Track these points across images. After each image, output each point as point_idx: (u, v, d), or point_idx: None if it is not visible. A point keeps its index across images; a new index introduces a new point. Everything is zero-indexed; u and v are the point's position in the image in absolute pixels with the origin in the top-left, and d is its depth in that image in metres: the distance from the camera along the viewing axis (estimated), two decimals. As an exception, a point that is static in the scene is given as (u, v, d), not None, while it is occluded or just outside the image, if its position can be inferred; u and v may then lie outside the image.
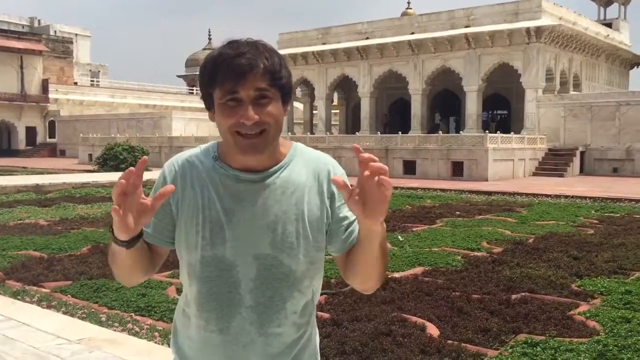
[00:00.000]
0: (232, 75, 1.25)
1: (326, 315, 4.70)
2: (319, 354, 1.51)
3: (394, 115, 37.01)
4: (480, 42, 29.56)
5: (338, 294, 5.38)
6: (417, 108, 32.28)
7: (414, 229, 9.52)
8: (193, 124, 41.13)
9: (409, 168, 24.28)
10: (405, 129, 30.54)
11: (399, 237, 8.56)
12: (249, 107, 1.26)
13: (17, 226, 9.52)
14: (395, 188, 18.35)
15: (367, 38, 33.98)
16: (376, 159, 1.20)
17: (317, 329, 1.52)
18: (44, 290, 5.46)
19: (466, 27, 30.30)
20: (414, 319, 4.58)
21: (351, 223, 1.37)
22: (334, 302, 5.12)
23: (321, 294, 5.30)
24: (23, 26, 65.20)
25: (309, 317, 1.45)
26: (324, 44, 35.81)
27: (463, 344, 4.00)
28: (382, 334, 4.17)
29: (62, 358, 3.43)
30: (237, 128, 1.27)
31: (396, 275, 6.16)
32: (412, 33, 32.19)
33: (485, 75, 29.78)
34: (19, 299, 5.01)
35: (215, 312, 1.35)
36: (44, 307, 4.78)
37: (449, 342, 4.05)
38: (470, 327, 4.41)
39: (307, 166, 1.39)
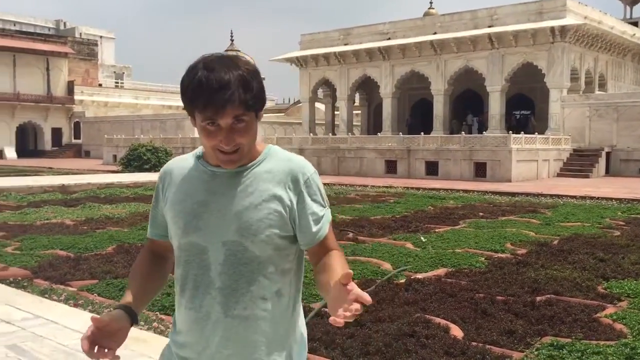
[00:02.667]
0: (212, 108, 1.40)
1: (349, 315, 4.70)
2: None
3: (416, 116, 36.86)
4: (503, 42, 29.30)
5: (361, 294, 5.37)
6: (439, 109, 32.11)
7: (436, 230, 9.47)
8: (215, 125, 41.35)
9: (431, 169, 24.16)
10: (428, 129, 30.39)
11: (422, 238, 8.53)
12: (227, 133, 1.42)
13: (43, 226, 9.68)
14: (417, 189, 18.27)
15: (389, 38, 33.88)
16: (358, 302, 1.27)
17: (299, 343, 1.59)
18: (70, 288, 5.54)
19: (489, 26, 30.05)
20: (438, 320, 4.55)
21: (319, 219, 1.51)
22: (357, 303, 5.11)
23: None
24: (49, 29, 66.27)
25: (285, 313, 1.53)
26: (345, 44, 35.79)
27: (488, 346, 3.97)
28: (406, 335, 4.16)
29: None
30: (217, 148, 1.44)
31: (419, 276, 6.14)
32: (435, 33, 32.01)
33: (508, 75, 29.51)
34: (46, 298, 5.09)
35: (191, 291, 1.50)
36: (71, 306, 4.85)
37: (473, 343, 4.03)
38: (494, 329, 4.37)
39: (277, 164, 1.52)
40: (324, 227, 1.52)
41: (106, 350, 1.42)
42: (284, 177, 1.50)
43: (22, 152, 49.29)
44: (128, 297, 1.56)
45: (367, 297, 1.25)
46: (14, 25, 61.00)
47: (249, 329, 1.48)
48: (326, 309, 4.85)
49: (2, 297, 4.83)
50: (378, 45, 33.55)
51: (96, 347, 1.41)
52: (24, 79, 50.81)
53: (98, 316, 1.44)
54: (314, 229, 1.50)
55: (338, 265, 1.47)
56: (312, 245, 1.52)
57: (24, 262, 6.62)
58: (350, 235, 8.99)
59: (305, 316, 4.59)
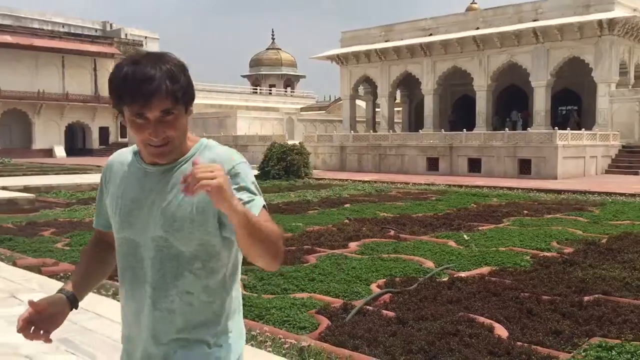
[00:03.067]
0: (139, 100, 1.41)
1: (391, 313, 4.69)
2: None
3: (458, 113, 36.40)
4: (549, 36, 28.64)
5: (402, 292, 5.36)
6: (482, 105, 31.63)
7: (479, 228, 9.34)
8: (257, 123, 41.79)
9: (474, 166, 23.83)
10: (470, 126, 29.97)
11: (464, 235, 8.43)
12: (155, 126, 1.43)
13: (91, 222, 9.92)
14: (460, 186, 18.04)
15: (431, 34, 33.54)
16: (202, 172, 1.29)
17: (235, 343, 1.58)
18: (117, 284, 5.67)
19: (534, 20, 29.42)
20: (482, 319, 4.50)
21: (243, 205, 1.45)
22: (399, 301, 5.10)
23: (386, 292, 5.31)
24: (96, 30, 67.89)
25: (214, 307, 1.53)
26: (386, 41, 35.58)
27: (533, 346, 3.90)
28: (449, 334, 4.13)
29: (137, 349, 3.57)
30: (147, 142, 1.46)
31: (462, 274, 6.07)
32: (477, 28, 31.52)
33: (554, 70, 28.84)
34: (95, 292, 5.22)
35: (129, 284, 1.55)
36: (118, 301, 4.96)
37: (519, 343, 3.96)
38: (540, 329, 4.29)
39: (209, 157, 1.52)
40: (252, 212, 1.44)
41: (41, 332, 1.49)
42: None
43: (70, 150, 50.74)
44: (71, 283, 1.61)
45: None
46: (63, 27, 62.72)
47: (174, 323, 1.51)
48: (368, 307, 4.85)
49: (54, 292, 4.99)
50: (419, 42, 33.25)
51: (32, 328, 1.48)
52: (73, 79, 52.28)
53: (35, 300, 1.50)
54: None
55: (267, 220, 1.45)
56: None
57: (74, 258, 6.81)
58: (392, 232, 8.95)
59: (347, 314, 4.61)
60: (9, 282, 5.34)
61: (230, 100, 62.85)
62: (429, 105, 33.91)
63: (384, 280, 5.86)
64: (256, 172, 22.65)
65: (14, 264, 6.30)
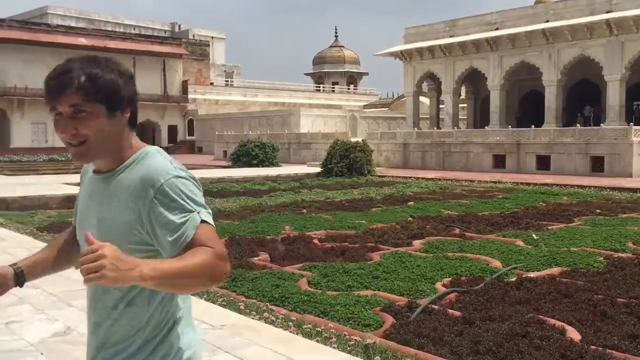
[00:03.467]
0: (49, 95, 1.40)
1: (457, 313, 4.63)
2: None
3: (526, 109, 35.39)
4: (623, 28, 27.40)
5: (469, 292, 5.27)
6: (551, 100, 30.60)
7: (549, 228, 9.06)
8: (320, 121, 41.99)
9: (543, 163, 23.11)
10: (538, 122, 29.06)
11: (533, 235, 8.20)
12: (65, 121, 1.40)
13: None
14: (528, 184, 17.55)
15: (497, 29, 32.72)
16: (90, 256, 1.20)
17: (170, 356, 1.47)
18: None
19: (607, 12, 28.21)
20: (552, 321, 4.37)
21: (176, 227, 1.36)
22: (465, 300, 5.02)
23: (451, 292, 5.24)
24: (165, 31, 70.03)
25: (140, 323, 1.45)
26: (451, 36, 34.97)
27: (608, 350, 3.76)
28: (518, 336, 4.03)
29: (207, 342, 3.66)
30: (65, 141, 1.43)
31: (531, 275, 5.92)
32: (547, 21, 30.53)
33: (629, 64, 27.56)
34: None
35: (87, 293, 1.55)
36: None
37: (592, 347, 3.83)
38: (615, 332, 4.13)
39: (138, 171, 1.44)
40: (187, 233, 1.36)
41: None
42: (138, 188, 1.41)
43: (140, 148, 52.48)
44: (28, 261, 1.60)
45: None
46: (134, 29, 65.02)
47: (100, 337, 1.48)
48: (434, 305, 4.80)
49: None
50: (486, 36, 32.51)
51: None
52: (143, 79, 54.02)
53: None
54: (170, 238, 1.36)
55: (187, 256, 1.33)
56: (175, 254, 1.36)
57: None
58: (457, 231, 8.82)
59: (412, 312, 4.58)
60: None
61: (293, 98, 63.44)
62: (495, 101, 33.12)
63: (450, 279, 5.79)
64: (319, 169, 22.77)
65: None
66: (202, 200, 1.43)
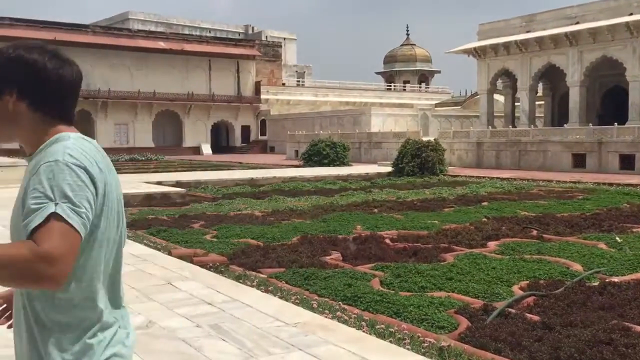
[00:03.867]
0: None
1: (536, 317, 4.49)
2: None
3: (608, 105, 33.83)
4: None
5: (548, 296, 5.10)
6: (635, 96, 29.12)
7: (634, 230, 8.63)
8: (391, 120, 41.72)
9: (627, 163, 22.01)
10: (621, 119, 27.72)
11: (617, 238, 7.83)
12: None
13: (236, 216, 10.51)
14: (610, 184, 16.77)
15: (577, 23, 31.46)
16: None
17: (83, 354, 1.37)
18: (261, 275, 5.95)
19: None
20: (639, 328, 4.16)
21: (29, 212, 1.27)
22: (544, 305, 4.86)
23: (529, 295, 5.08)
24: (239, 34, 71.61)
25: (42, 331, 1.36)
26: (527, 32, 33.91)
27: (700, 362, 3.55)
28: (601, 343, 3.86)
29: (281, 339, 3.72)
30: None
31: (615, 279, 5.66)
32: (630, 14, 29.07)
33: None
34: (241, 283, 5.53)
35: None
36: (262, 291, 5.21)
37: (683, 358, 3.62)
38: None
39: (41, 155, 1.37)
40: (33, 221, 1.24)
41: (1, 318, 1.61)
42: (31, 169, 1.36)
43: (215, 148, 53.96)
44: None
45: None
46: (209, 32, 66.79)
47: (22, 341, 1.42)
48: (511, 309, 4.68)
49: (204, 281, 5.35)
50: (565, 31, 31.32)
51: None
52: (218, 81, 55.52)
53: None
54: (22, 222, 1.28)
55: (5, 245, 1.25)
56: (25, 237, 1.27)
57: (221, 249, 7.25)
58: (534, 232, 8.55)
59: (488, 316, 4.48)
60: (166, 270, 5.80)
61: (364, 97, 63.35)
62: (574, 97, 31.85)
63: (527, 282, 5.62)
64: (390, 169, 22.64)
65: (169, 253, 6.82)
66: (74, 193, 1.28)
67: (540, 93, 38.50)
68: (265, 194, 14.68)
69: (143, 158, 40.09)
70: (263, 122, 56.14)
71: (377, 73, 77.88)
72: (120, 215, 1.46)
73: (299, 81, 65.34)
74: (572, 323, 4.30)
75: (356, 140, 34.27)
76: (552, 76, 35.17)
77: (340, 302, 4.97)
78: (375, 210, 11.30)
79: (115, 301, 1.47)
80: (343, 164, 27.48)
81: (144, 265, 6.02)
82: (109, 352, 1.40)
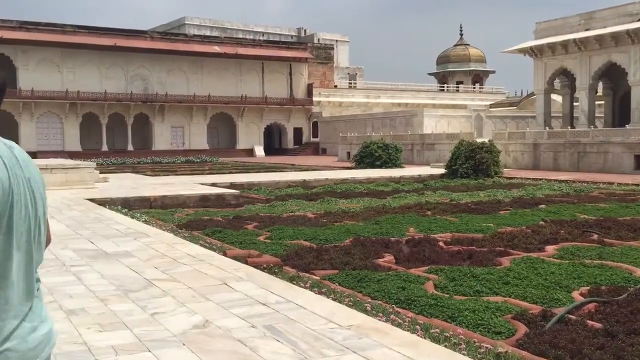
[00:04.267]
0: None
1: (597, 324, 4.34)
2: None
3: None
4: None
5: (610, 302, 4.93)
6: None
7: (703, 235, 8.24)
8: (444, 121, 41.21)
9: (694, 164, 21.09)
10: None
11: (684, 243, 7.49)
12: None
13: (289, 218, 10.59)
14: (676, 187, 16.07)
15: (639, 20, 30.33)
16: None
17: None
18: (314, 277, 5.98)
19: None
20: None
21: None
22: (606, 312, 4.70)
23: (590, 301, 4.92)
24: (292, 37, 72.22)
25: None
26: (586, 30, 32.89)
27: None
28: (668, 352, 3.71)
29: (335, 341, 3.73)
30: None
31: (682, 287, 5.41)
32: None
33: None
34: (294, 284, 5.57)
35: None
36: (315, 293, 5.24)
37: None
38: None
39: None
40: None
41: None
42: None
43: (268, 150, 54.61)
44: None
45: None
46: (263, 35, 67.66)
47: None
48: (570, 315, 4.55)
49: (259, 281, 5.42)
50: (626, 28, 30.22)
51: None
52: (271, 83, 56.18)
53: None
54: None
55: None
56: None
57: (274, 251, 7.32)
58: (595, 236, 8.27)
59: (546, 322, 4.36)
60: (221, 270, 5.90)
61: (416, 98, 62.82)
62: (636, 97, 30.69)
63: (588, 288, 5.45)
64: (443, 170, 22.36)
65: (224, 254, 6.94)
66: None
67: (600, 92, 37.27)
68: (318, 195, 14.73)
69: (198, 160, 40.93)
70: (315, 124, 56.42)
71: (430, 74, 77.11)
72: (30, 208, 1.45)
73: (351, 83, 65.35)
74: (635, 331, 4.14)
75: (408, 142, 34.01)
76: (612, 75, 34.00)
77: (393, 305, 4.94)
78: (429, 212, 11.18)
79: (27, 294, 1.45)
80: (395, 165, 27.32)
81: (200, 265, 6.14)
82: (2, 347, 1.36)
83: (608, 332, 4.14)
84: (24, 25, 47.01)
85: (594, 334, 4.12)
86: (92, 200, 12.94)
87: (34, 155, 42.64)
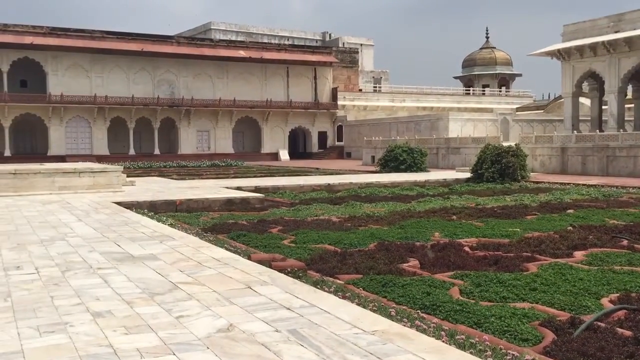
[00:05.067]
0: None
1: (627, 332, 4.25)
2: None
3: None
4: None
5: (641, 310, 4.82)
6: None
7: None
8: (470, 125, 40.86)
9: None
10: None
11: None
12: None
13: (313, 222, 10.58)
14: None
15: (672, 20, 29.72)
16: None
17: None
18: (338, 281, 5.97)
19: None
20: None
21: None
22: (636, 319, 4.60)
23: (621, 309, 4.82)
24: (316, 41, 72.43)
25: None
26: (616, 32, 32.36)
27: None
28: (701, 362, 3.61)
29: (359, 347, 3.71)
30: None
31: None
32: None
33: None
34: (318, 288, 5.56)
35: None
36: (340, 297, 5.22)
37: None
38: None
39: None
40: None
41: None
42: None
43: (293, 154, 54.73)
44: None
45: None
46: (288, 40, 67.92)
47: None
48: (600, 323, 4.47)
49: (283, 285, 5.42)
50: (657, 29, 29.67)
51: None
52: (295, 88, 56.35)
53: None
54: None
55: None
56: None
57: (299, 255, 7.33)
58: (625, 242, 8.11)
59: (575, 329, 4.29)
60: (245, 274, 5.92)
61: (441, 102, 62.46)
62: (668, 100, 30.07)
63: (617, 295, 5.34)
64: (468, 174, 22.16)
65: (249, 258, 6.96)
66: None
67: (629, 96, 36.59)
68: (342, 199, 14.72)
69: (223, 164, 41.21)
70: (340, 128, 56.41)
71: (456, 77, 76.65)
72: None
73: (375, 87, 65.22)
74: (668, 340, 4.04)
75: (433, 146, 33.79)
76: (643, 77, 33.36)
77: (418, 311, 4.91)
78: (454, 217, 11.09)
79: None
80: (420, 169, 27.16)
81: (224, 269, 6.17)
82: None
83: (638, 340, 4.05)
84: (53, 31, 47.92)
85: (623, 342, 4.04)
86: (118, 203, 13.11)
87: (62, 158, 43.46)
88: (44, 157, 43.58)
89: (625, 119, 35.03)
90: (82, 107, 48.60)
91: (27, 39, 46.08)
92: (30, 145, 49.55)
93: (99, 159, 43.44)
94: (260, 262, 6.71)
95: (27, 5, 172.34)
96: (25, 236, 8.61)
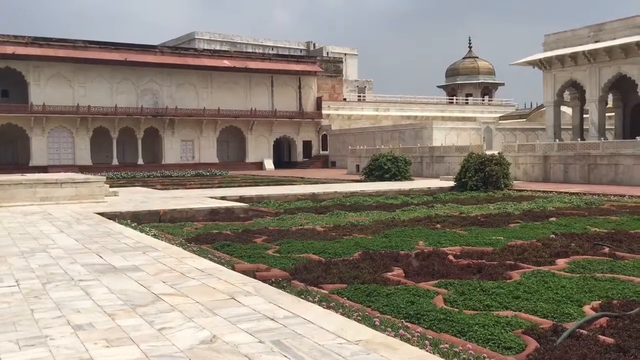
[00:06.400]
0: None
1: (609, 340, 4.29)
2: None
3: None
4: None
5: (622, 317, 4.86)
6: None
7: None
8: (453, 133, 41.15)
9: None
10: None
11: (697, 257, 7.40)
12: None
13: (298, 231, 10.56)
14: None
15: (650, 30, 30.23)
16: None
17: None
18: (323, 291, 5.95)
19: None
20: None
21: None
22: (618, 326, 4.64)
23: (602, 316, 4.86)
24: (301, 50, 72.63)
25: None
26: (596, 42, 32.85)
27: None
28: (681, 369, 3.65)
29: (343, 357, 3.70)
30: None
31: (696, 301, 5.34)
32: None
33: None
34: (302, 298, 5.54)
35: None
36: (324, 307, 5.20)
37: None
38: None
39: None
40: None
41: None
42: None
43: (277, 163, 54.69)
44: None
45: None
46: (272, 49, 68.03)
47: None
48: (582, 330, 4.50)
49: (267, 296, 5.39)
50: (636, 40, 30.16)
51: None
52: (280, 97, 56.40)
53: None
54: None
55: None
56: None
57: (283, 264, 7.30)
58: (606, 250, 8.19)
59: (557, 337, 4.31)
60: (229, 284, 5.89)
61: (425, 111, 62.83)
62: (648, 108, 30.54)
63: (599, 302, 5.38)
64: (452, 183, 22.28)
65: (233, 268, 6.93)
66: None
67: (610, 104, 37.13)
68: (327, 208, 14.72)
69: (208, 173, 41.06)
70: (324, 137, 56.52)
71: (439, 86, 77.22)
72: None
73: (360, 96, 65.50)
74: (649, 347, 4.08)
75: (418, 155, 33.97)
76: (622, 87, 33.88)
77: (402, 320, 4.91)
78: (438, 225, 11.13)
79: None
80: (404, 178, 27.26)
81: (208, 279, 6.13)
82: None
83: (620, 347, 4.09)
84: (35, 41, 47.56)
85: (605, 349, 4.07)
86: (101, 214, 12.99)
87: (44, 169, 42.99)
88: (25, 168, 43.11)
89: (606, 127, 35.50)
90: (64, 117, 48.21)
91: (9, 49, 45.69)
92: (11, 155, 49.01)
93: (82, 169, 43.07)
94: (244, 272, 6.68)
95: (9, 15, 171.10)
96: (5, 248, 8.50)
